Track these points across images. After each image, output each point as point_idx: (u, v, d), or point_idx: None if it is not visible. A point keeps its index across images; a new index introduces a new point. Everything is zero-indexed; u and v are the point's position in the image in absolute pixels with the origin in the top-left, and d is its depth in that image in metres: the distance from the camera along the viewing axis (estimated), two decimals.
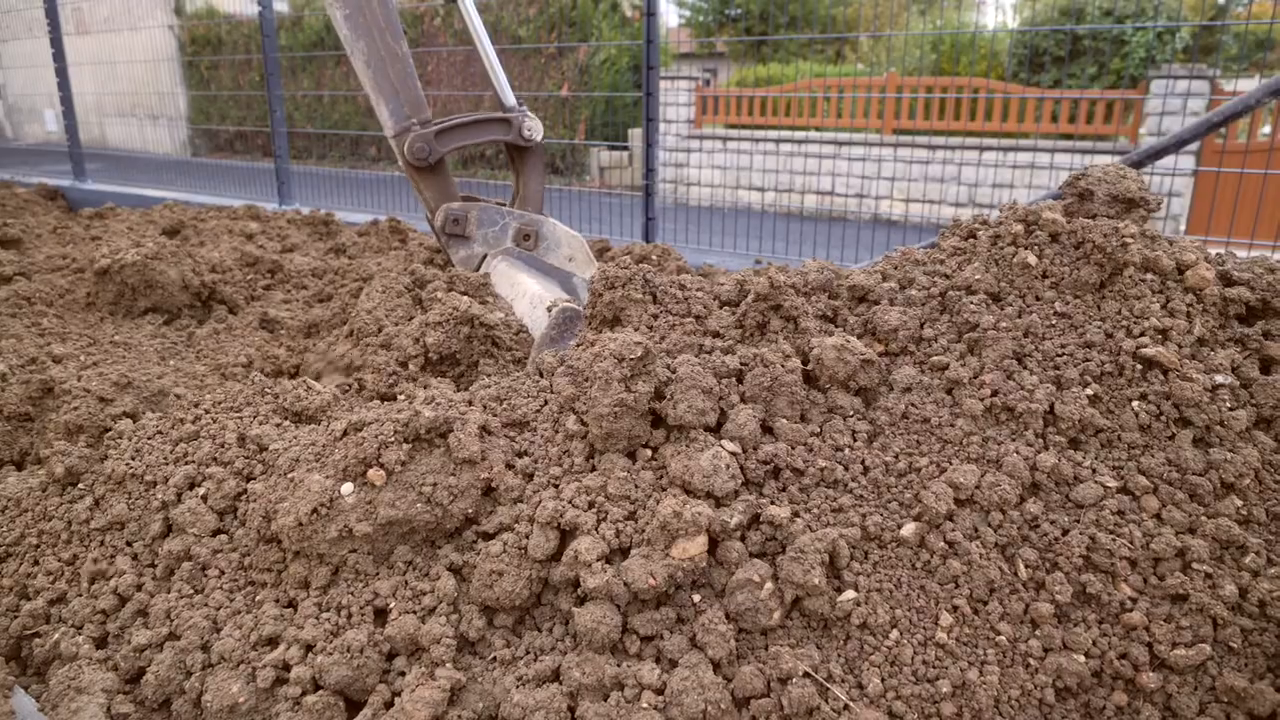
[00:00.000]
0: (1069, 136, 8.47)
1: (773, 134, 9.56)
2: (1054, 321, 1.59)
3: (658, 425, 1.58)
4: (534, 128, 3.19)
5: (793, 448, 1.50)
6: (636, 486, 1.49)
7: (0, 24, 17.94)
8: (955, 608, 1.32)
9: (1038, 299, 1.62)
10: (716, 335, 1.78)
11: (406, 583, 1.48)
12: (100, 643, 1.53)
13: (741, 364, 1.62)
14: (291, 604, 1.50)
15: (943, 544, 1.36)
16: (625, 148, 9.97)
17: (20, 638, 1.56)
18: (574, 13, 10.79)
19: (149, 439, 1.71)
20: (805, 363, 1.63)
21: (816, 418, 1.57)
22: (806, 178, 9.38)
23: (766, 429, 1.55)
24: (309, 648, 1.41)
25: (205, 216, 5.37)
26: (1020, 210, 1.74)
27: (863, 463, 1.48)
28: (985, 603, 1.33)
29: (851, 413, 1.56)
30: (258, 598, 1.52)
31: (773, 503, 1.46)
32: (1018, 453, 1.43)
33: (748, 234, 6.76)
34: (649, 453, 1.55)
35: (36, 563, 1.62)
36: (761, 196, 9.39)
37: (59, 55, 7.68)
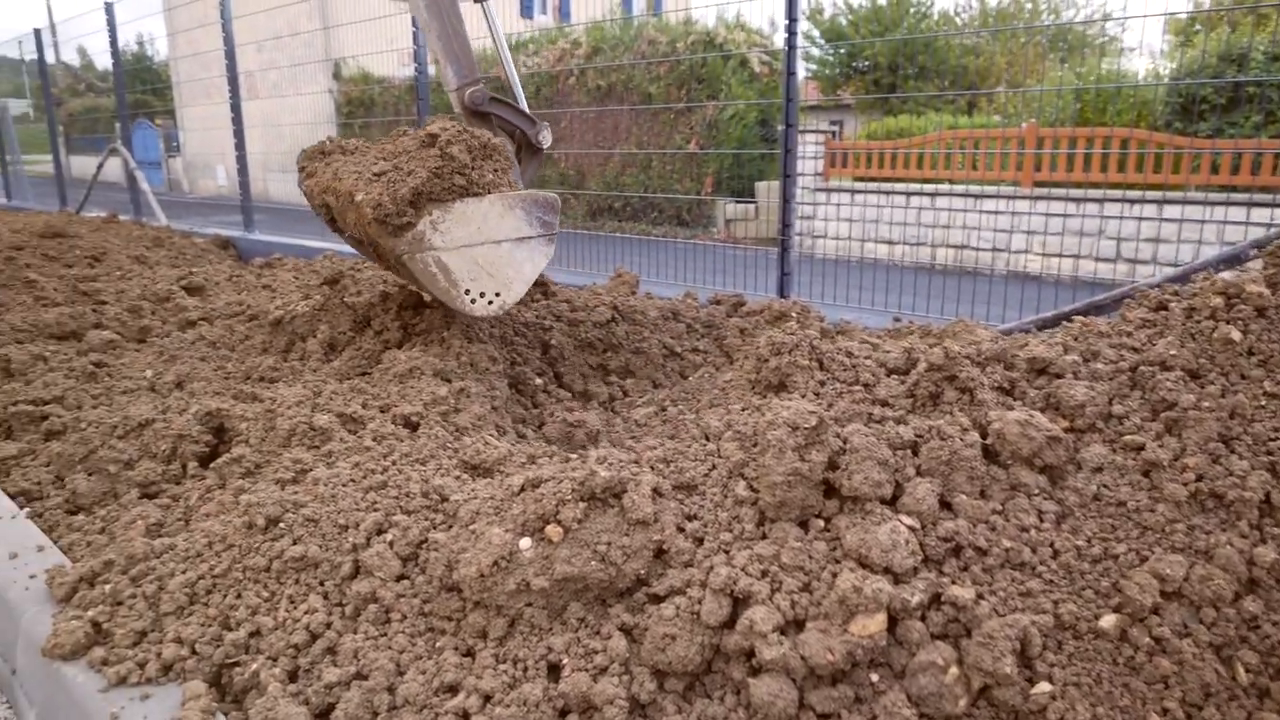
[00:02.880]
0: (1232, 188, 7.95)
1: (903, 187, 9.43)
2: (1264, 402, 1.49)
3: (829, 495, 1.57)
4: (547, 138, 3.88)
5: (974, 525, 1.46)
6: (810, 557, 1.48)
7: (182, 92, 20.02)
8: (1165, 710, 1.24)
9: (1243, 377, 1.53)
10: (885, 404, 1.75)
11: (579, 640, 1.51)
12: (292, 676, 1.63)
13: (916, 435, 1.60)
14: (469, 653, 1.56)
15: (1148, 640, 1.28)
16: (752, 201, 10.04)
17: (222, 666, 1.68)
18: (703, 69, 11.05)
19: (343, 485, 1.83)
20: (983, 436, 1.59)
21: (997, 495, 1.52)
22: (940, 231, 9.18)
23: (944, 504, 1.51)
24: (487, 698, 1.45)
25: (361, 266, 5.74)
26: (1219, 283, 1.65)
27: (1051, 545, 1.42)
28: (1200, 708, 1.24)
29: (1036, 491, 1.50)
30: (438, 644, 1.58)
31: (954, 582, 1.41)
32: (1231, 544, 1.34)
33: (874, 288, 6.64)
34: (821, 523, 1.54)
35: (239, 595, 1.75)
36: (891, 250, 9.24)
37: (237, 119, 8.46)
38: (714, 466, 1.70)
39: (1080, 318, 1.82)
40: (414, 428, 2.49)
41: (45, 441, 2.76)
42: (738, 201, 10.24)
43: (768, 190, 10.11)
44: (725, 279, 7.23)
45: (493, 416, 2.88)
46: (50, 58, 12.70)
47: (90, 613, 1.76)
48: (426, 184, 2.95)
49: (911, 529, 1.45)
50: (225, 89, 8.61)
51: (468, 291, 3.12)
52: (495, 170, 3.20)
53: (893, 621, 1.38)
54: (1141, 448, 1.48)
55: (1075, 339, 1.75)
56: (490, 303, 3.17)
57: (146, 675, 1.63)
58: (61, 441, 2.65)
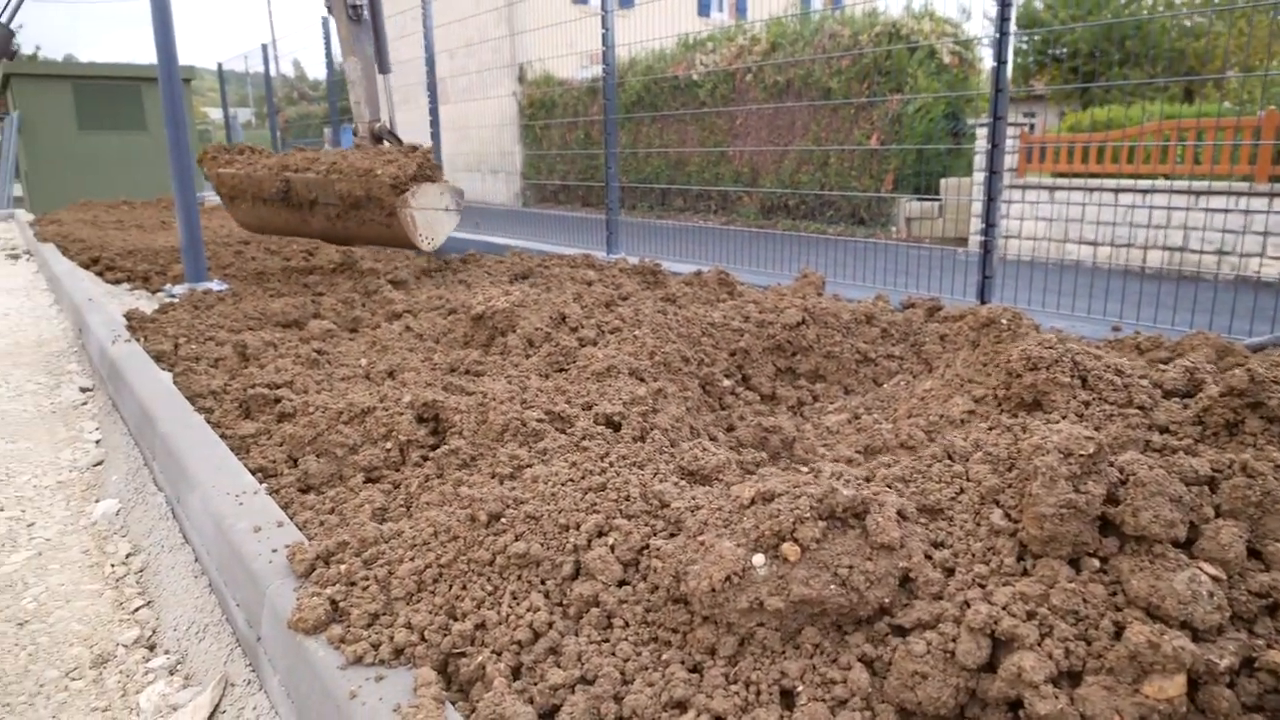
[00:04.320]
0: None
1: (1110, 183, 8.62)
2: None
3: (1104, 532, 1.39)
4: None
5: None
6: (1085, 601, 1.31)
7: None
8: None
9: None
10: (1166, 431, 1.55)
11: (814, 667, 1.42)
12: (516, 673, 1.64)
13: (1214, 470, 1.39)
14: (697, 669, 1.51)
15: None
16: (936, 199, 9.54)
17: (449, 655, 1.72)
18: (888, 62, 10.60)
19: (562, 485, 1.84)
20: None
21: None
22: (1152, 231, 8.33)
23: (1253, 553, 1.30)
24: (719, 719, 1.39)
25: (548, 264, 5.90)
26: None
27: None
28: None
29: None
30: (663, 656, 1.54)
31: (1270, 646, 1.21)
32: None
33: (1079, 293, 6.08)
34: (1096, 563, 1.37)
35: (464, 587, 1.79)
36: (1094, 251, 8.48)
37: (435, 122, 8.96)
38: (962, 490, 1.55)
39: None
40: (616, 427, 2.48)
41: (278, 423, 2.98)
42: (920, 199, 9.75)
43: (961, 187, 9.56)
44: (908, 280, 6.88)
45: (688, 418, 2.84)
46: (272, 70, 14.00)
47: (328, 591, 1.85)
48: (417, 171, 5.53)
49: (1215, 579, 1.26)
50: (421, 94, 9.13)
51: (421, 235, 5.57)
52: (438, 172, 5.77)
53: (1193, 685, 1.20)
54: None
55: None
56: (429, 243, 5.67)
57: (380, 657, 1.68)
58: (293, 424, 2.85)
